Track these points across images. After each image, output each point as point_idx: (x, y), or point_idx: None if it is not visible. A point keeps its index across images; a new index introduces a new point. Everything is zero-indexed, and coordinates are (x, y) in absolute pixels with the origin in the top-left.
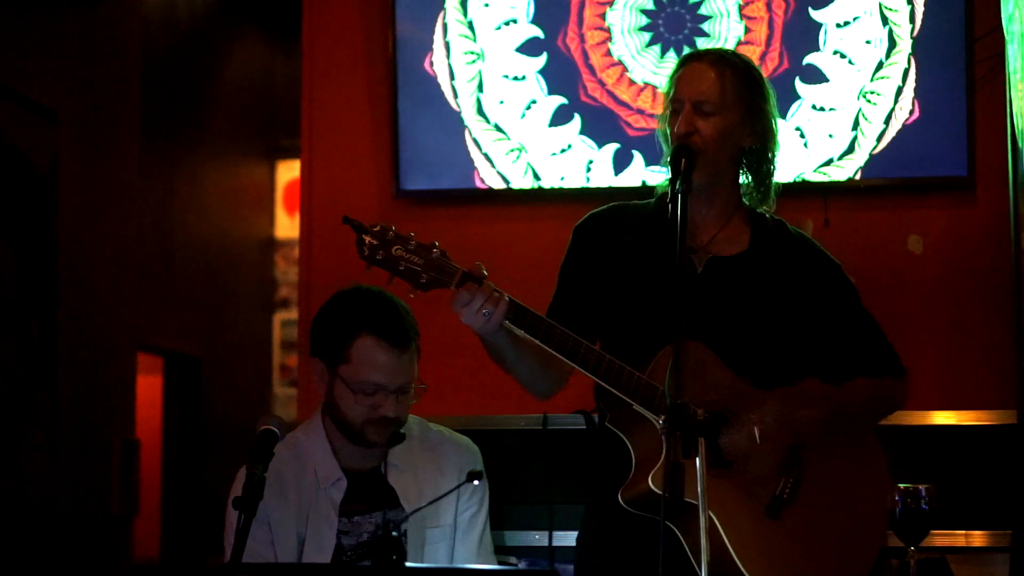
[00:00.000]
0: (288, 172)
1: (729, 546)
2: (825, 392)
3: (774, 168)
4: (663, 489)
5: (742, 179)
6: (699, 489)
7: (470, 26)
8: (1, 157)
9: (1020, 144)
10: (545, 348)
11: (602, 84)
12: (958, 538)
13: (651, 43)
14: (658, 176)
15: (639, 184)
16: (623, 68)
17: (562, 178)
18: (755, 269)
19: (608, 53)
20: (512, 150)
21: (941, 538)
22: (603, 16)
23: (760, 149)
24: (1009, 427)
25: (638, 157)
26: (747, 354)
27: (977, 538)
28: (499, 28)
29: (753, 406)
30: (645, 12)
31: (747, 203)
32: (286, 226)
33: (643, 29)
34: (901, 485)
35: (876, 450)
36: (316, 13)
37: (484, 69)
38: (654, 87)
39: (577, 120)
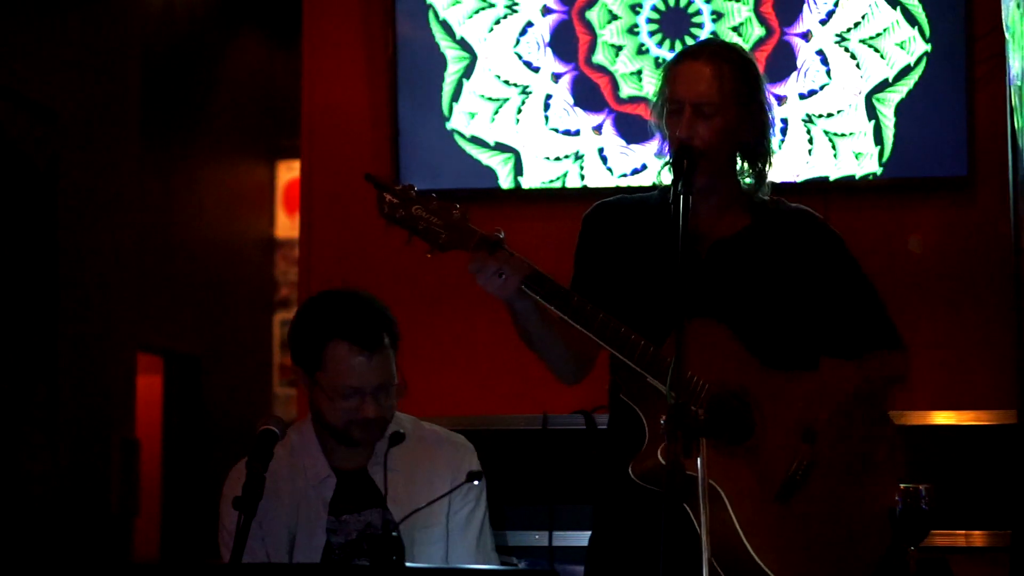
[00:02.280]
0: (288, 172)
1: (738, 527)
2: (845, 374)
3: (770, 158)
4: (664, 485)
5: (739, 169)
6: (700, 490)
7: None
8: (1, 156)
9: (1020, 144)
10: (568, 323)
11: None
12: (958, 538)
13: (639, 52)
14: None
15: (641, 183)
16: (610, 78)
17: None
18: (756, 244)
19: (589, 61)
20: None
21: (941, 538)
22: (582, 15)
23: (757, 141)
24: (1009, 427)
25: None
26: (756, 332)
27: (977, 538)
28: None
29: (770, 387)
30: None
31: (746, 192)
32: (286, 226)
33: (630, 32)
34: (901, 485)
35: (894, 441)
36: (316, 13)
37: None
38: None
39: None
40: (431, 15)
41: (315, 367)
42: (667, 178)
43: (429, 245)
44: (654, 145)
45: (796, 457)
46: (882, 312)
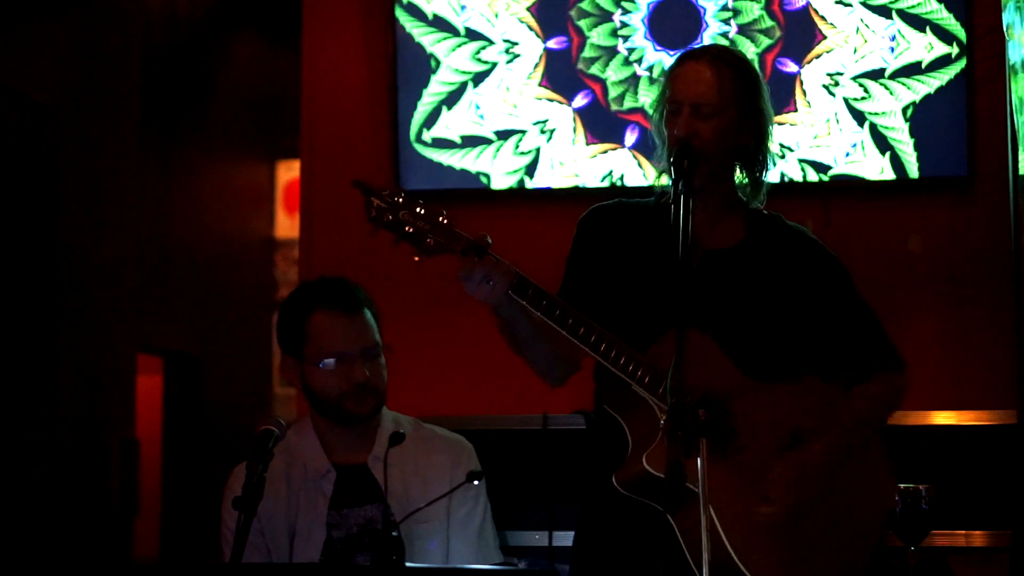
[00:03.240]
0: (288, 172)
1: (722, 534)
2: (831, 398)
3: (768, 164)
4: (665, 485)
5: (737, 176)
6: (700, 490)
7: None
8: (1, 156)
9: (1020, 144)
10: (552, 328)
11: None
12: (958, 538)
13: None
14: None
15: (641, 184)
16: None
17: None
18: (749, 261)
19: (575, 65)
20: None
21: (941, 538)
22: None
23: (755, 146)
24: (1009, 427)
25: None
26: (744, 345)
27: (977, 538)
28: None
29: (754, 399)
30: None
31: (742, 198)
32: (286, 226)
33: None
34: (901, 485)
35: (878, 444)
36: (316, 13)
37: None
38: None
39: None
40: (432, 63)
41: (301, 343)
42: (666, 181)
43: (416, 249)
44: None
45: (779, 466)
46: (879, 331)
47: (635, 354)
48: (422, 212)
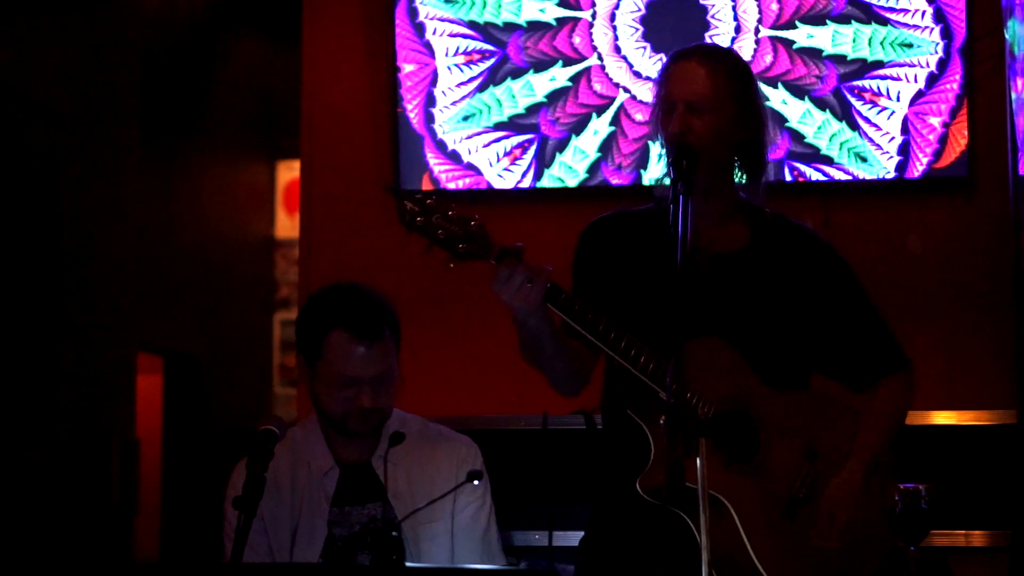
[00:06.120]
0: (288, 172)
1: (747, 543)
2: (847, 413)
3: (766, 161)
4: (665, 485)
5: (736, 175)
6: (699, 490)
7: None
8: (2, 156)
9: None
10: (571, 340)
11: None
12: (958, 538)
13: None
14: None
15: (640, 184)
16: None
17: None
18: (756, 264)
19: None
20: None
21: (941, 538)
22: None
23: (752, 143)
24: (1009, 427)
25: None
26: (754, 349)
27: (977, 538)
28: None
29: (773, 406)
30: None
31: (744, 199)
32: (286, 226)
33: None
34: (901, 485)
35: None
36: (316, 13)
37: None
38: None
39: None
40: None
41: (315, 356)
42: (667, 183)
43: (449, 255)
44: None
45: (799, 475)
46: (885, 333)
47: (663, 361)
48: (453, 216)
